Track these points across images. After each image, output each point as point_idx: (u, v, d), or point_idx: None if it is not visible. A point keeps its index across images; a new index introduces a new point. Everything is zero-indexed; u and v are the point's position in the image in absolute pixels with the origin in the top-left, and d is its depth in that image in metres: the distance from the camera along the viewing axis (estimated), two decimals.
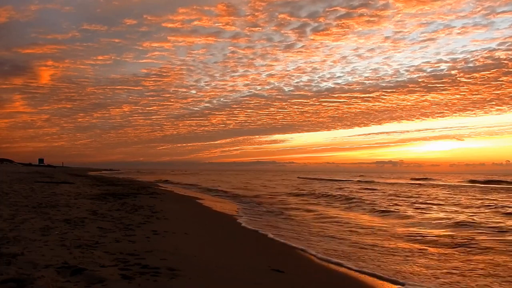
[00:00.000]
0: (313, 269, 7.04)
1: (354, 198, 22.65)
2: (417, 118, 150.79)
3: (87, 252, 6.02)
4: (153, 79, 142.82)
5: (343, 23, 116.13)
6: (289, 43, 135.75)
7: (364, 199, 21.80)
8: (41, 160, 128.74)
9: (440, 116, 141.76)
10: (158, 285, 4.68)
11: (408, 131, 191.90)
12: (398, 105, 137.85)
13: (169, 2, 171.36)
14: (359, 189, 35.09)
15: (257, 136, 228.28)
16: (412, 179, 67.93)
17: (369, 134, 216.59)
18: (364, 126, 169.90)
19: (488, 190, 34.00)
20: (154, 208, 13.66)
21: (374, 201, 21.56)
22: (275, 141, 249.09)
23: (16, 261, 5.17)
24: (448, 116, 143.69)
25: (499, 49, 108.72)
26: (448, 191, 32.76)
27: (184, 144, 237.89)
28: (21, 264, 5.05)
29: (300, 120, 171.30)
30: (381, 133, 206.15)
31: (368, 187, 37.78)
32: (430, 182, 55.50)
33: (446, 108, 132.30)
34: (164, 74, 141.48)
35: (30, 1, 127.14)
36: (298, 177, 76.60)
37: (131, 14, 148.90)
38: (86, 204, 13.27)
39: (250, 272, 6.16)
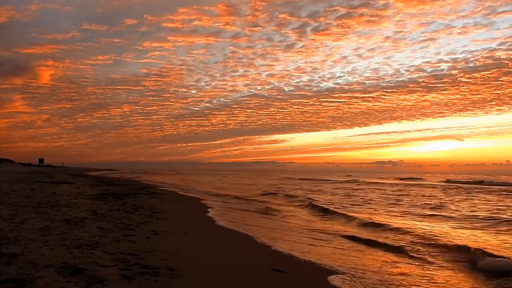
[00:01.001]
0: (313, 269, 7.04)
1: (308, 198, 23.09)
2: (417, 118, 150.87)
3: (87, 252, 6.02)
4: (153, 79, 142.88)
5: (344, 23, 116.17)
6: (289, 43, 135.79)
7: (316, 199, 22.82)
8: (41, 160, 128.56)
9: (440, 116, 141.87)
10: (158, 285, 4.68)
11: (408, 131, 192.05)
12: (398, 105, 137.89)
13: (169, 2, 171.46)
14: (331, 189, 35.73)
15: (257, 136, 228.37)
16: (395, 178, 70.67)
17: (369, 134, 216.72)
18: (364, 126, 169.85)
19: (452, 189, 34.93)
20: (154, 208, 13.66)
21: (325, 200, 22.68)
22: (275, 141, 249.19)
23: (16, 261, 5.17)
24: (448, 116, 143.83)
25: (499, 49, 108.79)
26: (410, 191, 33.09)
27: (184, 144, 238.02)
28: (21, 264, 5.05)
29: (300, 120, 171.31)
30: (381, 133, 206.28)
31: (339, 187, 38.83)
32: (410, 182, 56.44)
33: (446, 108, 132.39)
34: (164, 74, 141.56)
35: (30, 1, 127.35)
36: (285, 177, 77.55)
37: (131, 14, 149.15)
38: (86, 204, 13.27)
39: (250, 272, 6.17)
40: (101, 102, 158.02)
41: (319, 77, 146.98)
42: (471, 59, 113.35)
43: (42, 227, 7.94)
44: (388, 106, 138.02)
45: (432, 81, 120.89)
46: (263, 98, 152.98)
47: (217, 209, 16.41)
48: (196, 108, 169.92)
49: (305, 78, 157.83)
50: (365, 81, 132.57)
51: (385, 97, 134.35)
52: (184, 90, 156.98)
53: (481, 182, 50.08)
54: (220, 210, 15.97)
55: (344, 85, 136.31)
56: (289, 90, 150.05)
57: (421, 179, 66.76)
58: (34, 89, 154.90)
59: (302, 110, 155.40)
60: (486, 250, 8.40)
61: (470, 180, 56.13)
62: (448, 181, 57.86)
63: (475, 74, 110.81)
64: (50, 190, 19.10)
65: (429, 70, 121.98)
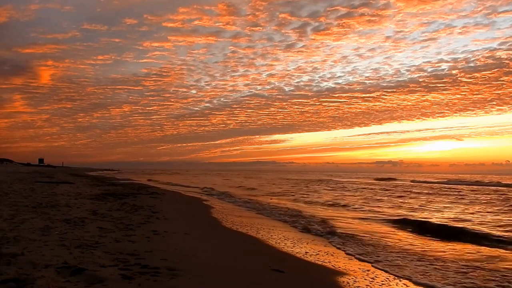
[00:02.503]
0: (314, 269, 7.04)
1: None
2: (417, 118, 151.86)
3: (87, 252, 6.01)
4: (153, 79, 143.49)
5: (344, 22, 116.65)
6: (289, 42, 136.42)
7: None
8: (41, 160, 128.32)
9: (440, 116, 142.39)
10: (158, 285, 4.67)
11: (408, 131, 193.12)
12: (399, 105, 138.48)
13: (170, 2, 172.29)
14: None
15: (257, 136, 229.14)
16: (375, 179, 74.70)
17: (369, 134, 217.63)
18: (364, 126, 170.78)
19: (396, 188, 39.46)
20: (154, 208, 13.65)
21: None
22: (275, 141, 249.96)
23: (16, 261, 5.16)
24: (449, 116, 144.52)
25: (500, 48, 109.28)
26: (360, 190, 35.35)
27: (184, 144, 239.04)
28: (21, 264, 5.04)
29: (301, 120, 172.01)
30: (381, 133, 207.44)
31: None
32: (374, 181, 60.63)
33: (446, 108, 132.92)
34: (165, 74, 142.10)
35: (30, 0, 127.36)
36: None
37: (131, 13, 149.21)
38: (86, 204, 13.26)
39: (250, 272, 6.16)
40: (101, 102, 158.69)
41: (320, 77, 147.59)
42: (472, 59, 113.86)
43: (42, 227, 7.93)
44: (388, 106, 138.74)
45: (433, 81, 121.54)
46: (263, 98, 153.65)
47: (218, 209, 16.42)
48: (196, 108, 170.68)
49: (305, 78, 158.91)
50: (366, 81, 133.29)
51: (386, 97, 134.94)
52: (184, 90, 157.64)
53: (445, 182, 54.58)
54: (221, 210, 15.97)
55: (345, 85, 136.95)
56: (290, 90, 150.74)
57: (394, 179, 70.33)
58: (34, 89, 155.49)
59: (302, 110, 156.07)
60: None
61: (434, 181, 60.53)
62: (413, 181, 62.01)
63: (475, 74, 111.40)
64: (50, 190, 19.09)
65: (430, 70, 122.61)
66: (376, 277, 6.70)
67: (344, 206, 19.68)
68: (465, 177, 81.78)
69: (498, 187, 40.75)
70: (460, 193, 30.42)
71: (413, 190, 34.62)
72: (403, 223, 13.32)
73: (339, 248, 9.17)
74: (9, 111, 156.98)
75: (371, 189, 36.45)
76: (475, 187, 41.82)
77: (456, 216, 15.65)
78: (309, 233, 11.35)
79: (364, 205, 20.07)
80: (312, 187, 38.72)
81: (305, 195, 26.97)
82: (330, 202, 21.42)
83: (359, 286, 6.03)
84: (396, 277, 6.78)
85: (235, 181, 55.04)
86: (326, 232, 11.31)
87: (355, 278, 6.47)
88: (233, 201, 22.26)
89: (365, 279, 6.48)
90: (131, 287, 4.52)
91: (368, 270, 7.16)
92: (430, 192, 32.30)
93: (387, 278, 6.68)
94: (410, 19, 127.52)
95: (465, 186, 44.43)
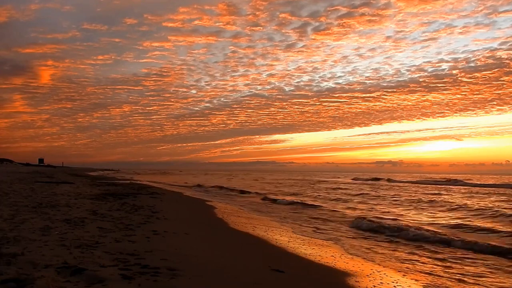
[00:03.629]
0: (314, 269, 7.04)
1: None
2: (417, 118, 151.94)
3: (87, 252, 6.01)
4: (153, 79, 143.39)
5: (344, 22, 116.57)
6: (290, 42, 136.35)
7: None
8: (41, 160, 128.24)
9: (440, 116, 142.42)
10: (158, 285, 4.67)
11: (408, 131, 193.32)
12: (399, 105, 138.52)
13: (170, 2, 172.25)
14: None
15: (257, 136, 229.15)
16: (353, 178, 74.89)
17: (369, 134, 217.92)
18: (364, 126, 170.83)
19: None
20: (154, 208, 13.66)
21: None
22: (275, 141, 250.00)
23: (16, 261, 5.16)
24: (449, 116, 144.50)
25: (500, 48, 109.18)
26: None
27: (184, 144, 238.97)
28: (21, 264, 5.04)
29: (301, 120, 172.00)
30: (381, 133, 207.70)
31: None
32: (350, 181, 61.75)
33: (447, 108, 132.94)
34: (165, 74, 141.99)
35: (30, 0, 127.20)
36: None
37: (131, 13, 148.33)
38: (86, 204, 13.26)
39: (250, 272, 6.16)
40: (101, 102, 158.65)
41: (320, 77, 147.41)
42: (472, 59, 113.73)
43: (42, 227, 7.92)
44: (388, 106, 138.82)
45: (433, 81, 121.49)
46: (263, 98, 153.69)
47: (219, 209, 16.42)
48: (196, 108, 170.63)
49: (305, 78, 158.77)
50: (366, 81, 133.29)
51: (386, 97, 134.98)
52: (184, 90, 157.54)
53: (419, 182, 57.51)
54: (222, 210, 15.98)
55: (345, 85, 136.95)
56: (290, 90, 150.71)
57: (382, 179, 71.11)
58: (34, 89, 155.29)
59: (303, 110, 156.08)
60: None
61: (406, 180, 65.22)
62: (389, 180, 66.05)
63: (476, 74, 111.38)
64: (50, 190, 19.09)
65: (430, 70, 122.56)
66: (384, 276, 6.70)
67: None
68: (451, 176, 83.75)
69: (468, 187, 42.87)
70: (417, 192, 33.29)
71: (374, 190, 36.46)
72: None
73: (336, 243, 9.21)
74: (9, 111, 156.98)
75: (335, 188, 38.02)
76: (435, 185, 45.62)
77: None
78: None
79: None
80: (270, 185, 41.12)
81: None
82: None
83: (359, 287, 6.03)
84: None
85: (217, 180, 57.10)
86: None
87: (356, 278, 6.47)
88: (227, 200, 22.26)
89: (370, 280, 6.48)
90: (131, 287, 4.52)
91: (372, 271, 7.16)
92: (387, 192, 33.57)
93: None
94: (411, 19, 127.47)
95: (432, 185, 46.97)
